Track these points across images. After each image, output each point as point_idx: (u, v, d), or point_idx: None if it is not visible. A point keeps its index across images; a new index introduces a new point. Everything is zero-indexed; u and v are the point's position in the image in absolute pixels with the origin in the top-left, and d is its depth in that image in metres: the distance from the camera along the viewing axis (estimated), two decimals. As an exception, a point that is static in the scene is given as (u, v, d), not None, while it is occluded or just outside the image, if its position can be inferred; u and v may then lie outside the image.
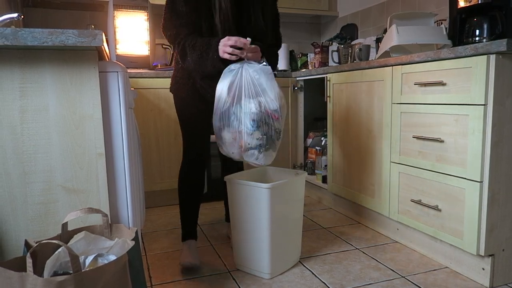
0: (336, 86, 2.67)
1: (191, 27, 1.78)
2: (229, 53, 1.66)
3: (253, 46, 1.71)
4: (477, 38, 2.04)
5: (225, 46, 1.67)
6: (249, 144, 1.67)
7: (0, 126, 1.12)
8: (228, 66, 1.69)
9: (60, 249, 1.03)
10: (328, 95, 2.76)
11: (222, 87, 1.69)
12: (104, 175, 1.23)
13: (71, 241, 1.14)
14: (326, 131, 2.86)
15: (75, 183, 1.21)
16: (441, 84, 1.83)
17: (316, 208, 2.90)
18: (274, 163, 3.22)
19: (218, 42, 1.69)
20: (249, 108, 1.65)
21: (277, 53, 2.07)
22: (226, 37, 1.68)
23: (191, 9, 1.78)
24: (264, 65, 1.70)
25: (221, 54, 1.68)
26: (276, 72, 3.28)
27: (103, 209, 1.24)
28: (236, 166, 2.24)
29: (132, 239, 1.15)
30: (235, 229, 1.89)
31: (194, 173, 2.03)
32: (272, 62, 1.91)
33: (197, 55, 1.73)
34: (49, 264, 1.02)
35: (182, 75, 1.93)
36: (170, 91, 2.02)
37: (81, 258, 1.05)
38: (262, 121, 1.66)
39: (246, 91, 1.66)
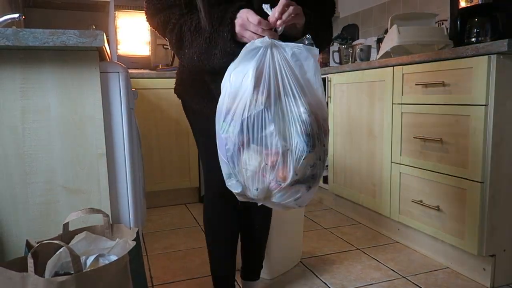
0: (337, 87, 2.67)
1: (183, 4, 1.19)
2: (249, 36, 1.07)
3: (292, 8, 1.05)
4: (478, 39, 2.04)
5: (243, 29, 1.07)
6: (297, 174, 1.01)
7: (1, 127, 1.12)
8: (251, 41, 1.03)
9: (61, 249, 1.03)
10: (329, 95, 2.76)
11: (242, 75, 1.02)
12: (105, 176, 1.23)
13: (72, 241, 1.14)
14: (327, 131, 2.86)
15: (76, 184, 1.21)
16: (442, 84, 1.83)
17: (317, 209, 2.90)
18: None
19: (235, 14, 1.08)
20: (297, 113, 0.99)
21: (330, 24, 1.33)
22: (245, 13, 1.06)
23: None
24: (309, 43, 1.06)
25: (239, 37, 1.09)
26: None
27: (104, 209, 1.24)
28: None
29: (133, 240, 1.15)
30: (236, 230, 1.88)
31: (223, 212, 1.43)
32: (322, 39, 1.23)
33: (204, 40, 1.12)
34: (50, 265, 1.02)
35: (188, 75, 1.35)
36: (175, 93, 1.44)
37: (82, 259, 1.05)
38: (316, 136, 1.01)
39: (286, 85, 1.00)
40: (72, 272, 0.93)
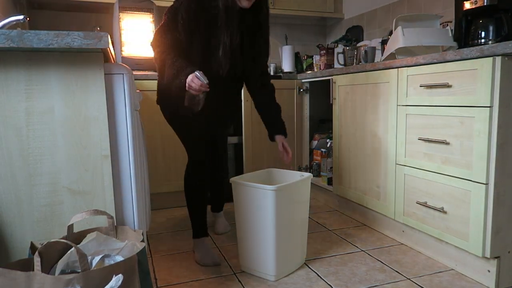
0: (342, 88, 2.67)
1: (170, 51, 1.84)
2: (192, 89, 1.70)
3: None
4: (482, 40, 2.03)
5: (188, 84, 1.70)
6: None
7: (6, 128, 1.13)
8: None
9: (71, 250, 1.04)
10: (333, 97, 2.76)
11: None
12: (110, 177, 1.24)
13: (83, 241, 1.15)
14: (332, 133, 2.85)
15: (81, 185, 1.21)
16: (447, 86, 1.82)
17: (321, 210, 2.89)
18: (279, 165, 3.23)
19: (189, 73, 1.70)
20: None
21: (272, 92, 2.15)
22: (191, 77, 1.68)
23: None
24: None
25: (187, 87, 1.71)
26: (281, 74, 3.30)
27: (109, 211, 1.24)
28: (221, 172, 2.44)
29: (141, 241, 1.15)
30: (240, 231, 1.88)
31: (198, 174, 2.10)
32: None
33: (172, 73, 1.77)
34: (60, 265, 1.03)
35: (165, 88, 1.95)
36: (157, 103, 2.08)
37: (88, 258, 1.06)
38: None
39: None
40: (79, 271, 0.93)
